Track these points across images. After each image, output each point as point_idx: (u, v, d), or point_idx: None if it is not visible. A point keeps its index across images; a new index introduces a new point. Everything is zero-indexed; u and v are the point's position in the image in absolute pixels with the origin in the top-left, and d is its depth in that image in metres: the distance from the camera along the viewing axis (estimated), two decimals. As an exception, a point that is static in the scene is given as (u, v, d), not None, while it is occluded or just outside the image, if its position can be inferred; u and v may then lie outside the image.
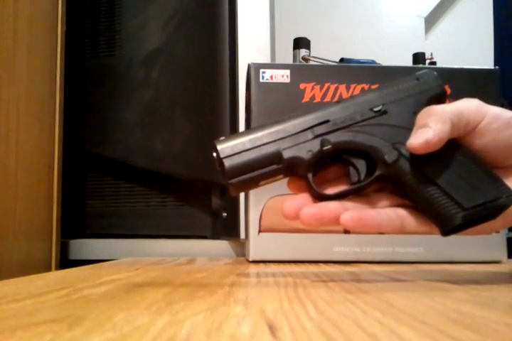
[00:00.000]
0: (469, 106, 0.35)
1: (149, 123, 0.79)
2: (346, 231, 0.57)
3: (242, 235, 0.70)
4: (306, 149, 0.35)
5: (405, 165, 0.34)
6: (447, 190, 0.33)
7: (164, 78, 0.79)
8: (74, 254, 0.78)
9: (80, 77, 0.83)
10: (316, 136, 0.35)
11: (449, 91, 0.59)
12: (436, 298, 0.29)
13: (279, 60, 0.88)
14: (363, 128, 0.35)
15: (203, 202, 0.79)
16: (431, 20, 1.08)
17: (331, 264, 0.55)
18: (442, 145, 0.33)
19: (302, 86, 0.58)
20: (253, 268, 0.50)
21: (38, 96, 0.69)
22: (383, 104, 0.36)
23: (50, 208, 0.71)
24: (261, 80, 0.58)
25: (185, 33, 0.80)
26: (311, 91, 0.58)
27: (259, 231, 0.57)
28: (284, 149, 0.35)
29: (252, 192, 0.57)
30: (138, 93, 0.80)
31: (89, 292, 0.31)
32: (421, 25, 1.08)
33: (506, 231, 0.59)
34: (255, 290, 0.33)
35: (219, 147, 0.35)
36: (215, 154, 0.35)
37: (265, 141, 0.35)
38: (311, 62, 0.82)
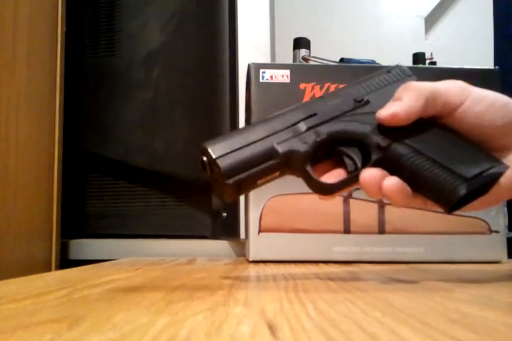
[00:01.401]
0: (450, 87, 0.35)
1: (149, 123, 0.79)
2: (346, 231, 0.58)
3: (242, 235, 0.70)
4: (300, 142, 0.34)
5: (399, 146, 0.34)
6: (445, 164, 0.33)
7: (164, 78, 0.79)
8: (74, 254, 0.78)
9: (80, 77, 0.82)
10: (309, 128, 0.35)
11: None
12: (436, 298, 0.29)
13: (279, 60, 0.88)
14: (351, 117, 0.36)
15: (203, 202, 0.79)
16: (431, 20, 1.09)
17: (331, 264, 0.55)
18: (411, 120, 0.34)
19: (302, 86, 0.58)
20: (253, 268, 0.50)
21: (38, 96, 0.69)
22: (365, 95, 0.37)
23: (50, 208, 0.71)
24: (261, 80, 0.58)
25: (185, 33, 0.80)
26: (311, 91, 0.58)
27: (259, 231, 0.57)
28: (278, 144, 0.34)
29: (252, 192, 0.57)
30: (138, 93, 0.80)
31: (89, 292, 0.31)
32: (421, 25, 1.08)
33: (506, 231, 0.59)
34: (255, 291, 0.33)
35: (210, 148, 0.33)
36: (205, 158, 0.33)
37: (257, 137, 0.34)
38: (311, 62, 0.82)
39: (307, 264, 0.54)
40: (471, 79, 0.60)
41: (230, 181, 0.32)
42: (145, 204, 0.81)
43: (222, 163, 0.32)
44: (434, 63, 0.95)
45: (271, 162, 0.33)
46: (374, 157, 0.34)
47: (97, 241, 0.78)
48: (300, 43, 0.85)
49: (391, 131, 0.35)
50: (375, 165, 0.34)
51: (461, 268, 0.51)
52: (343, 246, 0.57)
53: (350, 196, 0.57)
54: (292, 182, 0.58)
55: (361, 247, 0.57)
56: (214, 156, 0.33)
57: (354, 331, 0.19)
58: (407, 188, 0.34)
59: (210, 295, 0.30)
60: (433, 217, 0.57)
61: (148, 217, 0.81)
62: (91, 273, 0.45)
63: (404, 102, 0.34)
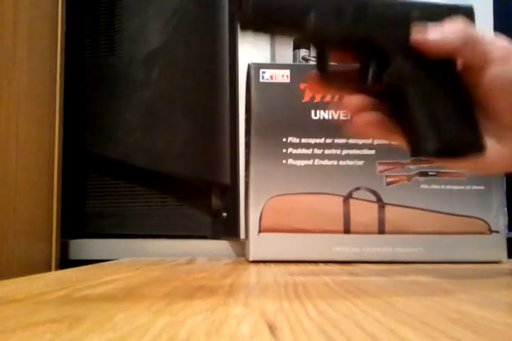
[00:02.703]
0: (498, 41, 0.33)
1: (149, 123, 0.79)
2: (346, 231, 0.58)
3: (242, 235, 0.70)
4: (336, 23, 0.33)
5: (411, 84, 0.34)
6: (438, 116, 0.33)
7: (164, 78, 0.79)
8: (74, 254, 0.78)
9: (80, 77, 0.82)
10: (351, 14, 0.33)
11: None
12: (436, 298, 0.29)
13: (279, 60, 0.88)
14: (394, 29, 0.34)
15: (203, 202, 0.79)
16: (431, 20, 1.08)
17: (331, 264, 0.55)
18: (441, 52, 0.32)
19: (302, 86, 0.58)
20: (253, 268, 0.50)
21: (38, 97, 0.69)
22: (421, 14, 0.34)
23: (50, 208, 0.71)
24: (261, 80, 0.58)
25: (185, 33, 0.80)
26: (311, 91, 0.58)
27: (259, 231, 0.57)
28: (315, 12, 0.32)
29: (252, 192, 0.57)
30: (138, 93, 0.80)
31: (89, 292, 0.31)
32: (421, 25, 1.08)
33: (506, 231, 0.59)
34: (255, 290, 0.33)
35: None
36: None
37: None
38: (311, 62, 0.82)
39: (307, 264, 0.54)
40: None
41: (249, 27, 0.32)
42: (145, 204, 0.81)
43: (254, 4, 0.31)
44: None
45: (296, 31, 0.33)
46: (385, 79, 0.34)
47: (97, 241, 0.78)
48: (300, 43, 0.85)
49: (417, 61, 0.33)
50: (384, 87, 0.34)
51: (461, 268, 0.51)
52: (343, 246, 0.57)
53: (350, 196, 0.57)
54: (292, 182, 0.58)
55: (361, 247, 0.57)
56: None
57: (354, 331, 0.19)
58: (383, 123, 0.34)
59: (210, 295, 0.30)
60: (433, 217, 0.57)
61: (148, 217, 0.81)
62: (91, 273, 0.45)
63: (443, 32, 0.32)
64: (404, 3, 0.35)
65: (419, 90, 0.34)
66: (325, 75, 0.34)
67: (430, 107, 0.34)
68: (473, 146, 0.34)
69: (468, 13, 0.36)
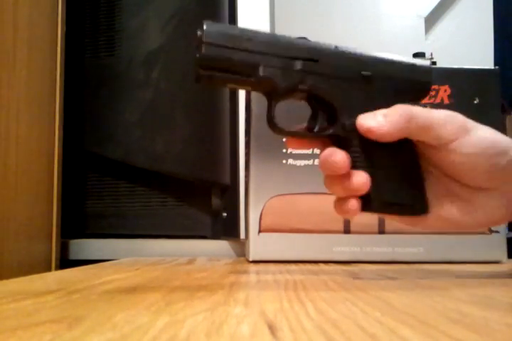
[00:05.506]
0: (448, 122, 0.33)
1: (149, 123, 0.79)
2: (346, 231, 0.58)
3: (242, 235, 0.70)
4: (284, 77, 0.34)
5: (357, 138, 0.34)
6: (380, 177, 0.34)
7: (164, 78, 0.79)
8: (74, 254, 0.77)
9: (80, 77, 0.82)
10: (300, 71, 0.34)
11: (449, 91, 0.59)
12: (436, 298, 0.29)
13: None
14: (343, 84, 0.35)
15: (203, 202, 0.79)
16: (431, 20, 1.08)
17: (331, 264, 0.55)
18: (385, 141, 0.34)
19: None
20: (253, 268, 0.50)
21: (38, 97, 0.69)
22: (373, 72, 0.36)
23: (50, 208, 0.71)
24: (261, 80, 0.58)
25: (186, 33, 0.80)
26: (311, 91, 0.58)
27: (259, 231, 0.57)
28: (264, 66, 0.34)
29: (252, 192, 0.57)
30: (138, 93, 0.80)
31: (89, 292, 0.31)
32: (421, 25, 1.08)
33: (506, 231, 0.59)
34: (255, 290, 0.33)
35: (207, 29, 0.33)
36: (199, 33, 0.33)
37: (254, 48, 0.33)
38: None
39: (307, 264, 0.54)
40: (471, 79, 0.60)
41: (203, 73, 0.33)
42: (145, 204, 0.81)
43: (206, 51, 0.33)
44: (434, 63, 0.95)
45: (247, 78, 0.34)
46: (332, 131, 0.35)
47: (97, 241, 0.78)
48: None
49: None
50: (330, 136, 0.35)
51: (461, 268, 0.51)
52: (343, 246, 0.57)
53: (350, 196, 0.57)
54: (292, 182, 0.58)
55: (361, 247, 0.57)
56: (204, 39, 0.33)
57: (354, 331, 0.19)
58: None
59: (210, 295, 0.30)
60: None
61: (148, 217, 0.81)
62: (91, 273, 0.45)
63: (385, 124, 0.33)
64: (358, 58, 0.36)
65: (362, 145, 0.34)
66: (273, 124, 0.35)
67: (372, 163, 0.34)
68: (413, 208, 0.35)
69: (425, 72, 0.37)
